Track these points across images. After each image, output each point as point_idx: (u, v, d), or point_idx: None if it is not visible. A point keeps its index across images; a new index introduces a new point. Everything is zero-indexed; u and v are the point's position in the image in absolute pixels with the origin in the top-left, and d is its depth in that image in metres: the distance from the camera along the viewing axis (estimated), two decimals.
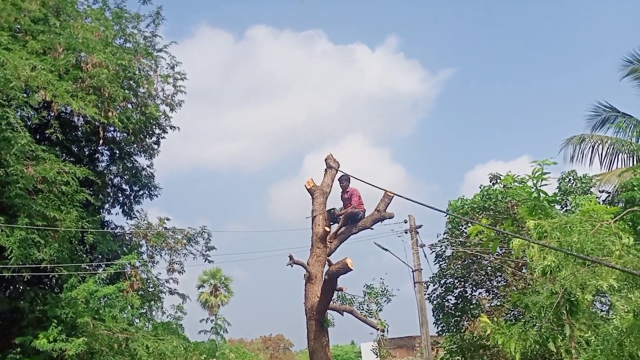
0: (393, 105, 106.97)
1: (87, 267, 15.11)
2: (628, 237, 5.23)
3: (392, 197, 11.54)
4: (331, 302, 11.13)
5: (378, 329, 12.04)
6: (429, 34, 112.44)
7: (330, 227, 11.21)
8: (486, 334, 10.00)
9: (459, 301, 18.78)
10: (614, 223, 5.43)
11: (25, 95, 12.19)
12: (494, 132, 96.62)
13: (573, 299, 7.24)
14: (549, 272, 7.14)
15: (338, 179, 11.58)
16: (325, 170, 11.69)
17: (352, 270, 9.41)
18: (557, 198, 17.58)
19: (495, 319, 11.26)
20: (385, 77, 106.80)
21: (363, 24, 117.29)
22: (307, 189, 11.37)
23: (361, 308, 12.45)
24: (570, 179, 17.92)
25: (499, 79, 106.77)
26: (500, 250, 16.65)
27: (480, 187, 18.35)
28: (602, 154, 18.63)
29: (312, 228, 11.03)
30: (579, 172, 18.43)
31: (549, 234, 5.84)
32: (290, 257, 10.53)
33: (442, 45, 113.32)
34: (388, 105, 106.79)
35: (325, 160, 11.81)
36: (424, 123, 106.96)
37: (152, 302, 17.54)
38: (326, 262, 10.75)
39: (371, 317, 12.15)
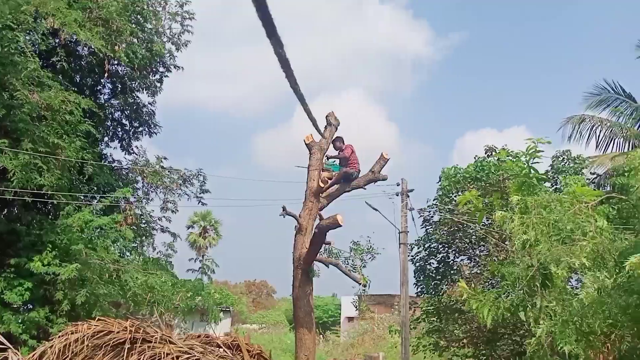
0: (396, 63, 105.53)
1: (83, 197, 15.43)
2: (603, 221, 5.55)
3: (388, 159, 11.82)
4: (318, 254, 11.55)
5: (360, 284, 12.53)
6: None
7: (326, 181, 11.44)
8: (462, 298, 10.46)
9: (440, 265, 19.34)
10: (592, 206, 5.75)
11: (34, 20, 12.16)
12: (492, 100, 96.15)
13: (547, 272, 7.66)
14: (527, 246, 7.52)
15: (332, 141, 11.73)
16: (325, 126, 11.86)
17: (341, 226, 9.76)
18: (548, 176, 17.92)
19: (473, 285, 11.75)
20: (392, 34, 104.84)
21: None
22: (306, 144, 11.56)
23: (346, 263, 12.94)
24: (564, 158, 18.19)
25: (506, 48, 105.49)
26: (486, 221, 17.10)
27: (475, 158, 18.61)
28: (599, 136, 18.86)
29: (306, 182, 11.30)
30: (576, 151, 18.69)
31: (529, 210, 6.16)
32: (284, 208, 10.85)
33: (454, 8, 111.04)
34: (391, 63, 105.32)
35: (326, 117, 11.97)
36: (424, 85, 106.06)
37: (144, 238, 18.03)
38: (317, 216, 11.09)
39: (355, 272, 12.62)
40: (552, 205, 5.81)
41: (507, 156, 12.93)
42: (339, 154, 11.69)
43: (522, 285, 7.91)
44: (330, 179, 11.57)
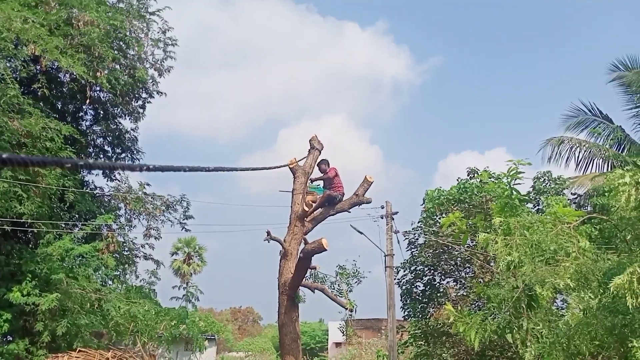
0: (376, 88, 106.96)
1: (64, 225, 15.18)
2: (585, 241, 5.58)
3: (371, 182, 11.84)
4: (304, 280, 11.44)
5: (347, 309, 12.42)
6: (419, 19, 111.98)
7: (310, 205, 11.42)
8: (449, 321, 10.41)
9: (427, 288, 19.30)
10: (574, 227, 5.79)
11: (14, 47, 12.10)
12: (472, 122, 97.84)
13: (532, 294, 7.67)
14: (512, 267, 7.54)
15: (317, 164, 11.76)
16: (309, 150, 11.88)
17: (326, 250, 9.69)
18: (530, 197, 18.12)
19: (459, 307, 11.72)
20: (373, 59, 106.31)
21: (355, 3, 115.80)
22: (290, 168, 11.56)
23: (332, 287, 12.82)
24: (545, 179, 18.42)
25: (485, 71, 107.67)
26: (471, 242, 17.16)
27: (457, 180, 18.75)
28: (578, 157, 19.15)
29: (291, 206, 11.26)
30: (556, 172, 18.96)
31: (512, 232, 6.18)
32: (268, 233, 10.77)
33: (432, 33, 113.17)
34: (371, 87, 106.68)
35: (309, 141, 12.00)
36: (405, 109, 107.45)
37: (127, 266, 17.74)
38: (302, 241, 11.02)
39: (341, 297, 12.51)
40: (535, 226, 5.84)
41: (489, 178, 13.05)
42: (322, 175, 11.71)
43: (507, 307, 7.91)
44: (314, 202, 11.55)
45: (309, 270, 12.26)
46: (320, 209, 11.59)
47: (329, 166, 11.92)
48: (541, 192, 18.29)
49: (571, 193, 18.37)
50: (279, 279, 10.87)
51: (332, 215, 11.78)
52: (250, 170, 7.47)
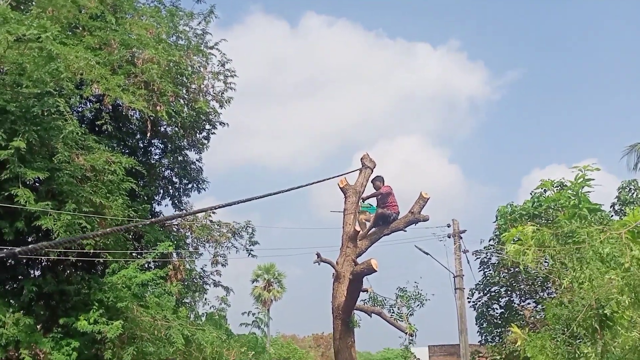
0: (452, 106, 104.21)
1: (135, 254, 15.68)
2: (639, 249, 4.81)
3: (428, 199, 11.32)
4: (362, 303, 11.03)
5: (407, 333, 11.81)
6: (492, 33, 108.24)
7: (364, 224, 11.09)
8: (516, 345, 9.68)
9: (504, 311, 18.11)
10: (625, 233, 5.03)
11: (78, 87, 12.83)
12: (557, 135, 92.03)
13: (606, 312, 6.82)
14: (576, 284, 6.78)
15: (371, 180, 11.46)
16: (360, 169, 11.59)
17: (376, 271, 9.28)
18: (615, 209, 16.65)
19: (527, 330, 10.78)
20: (446, 77, 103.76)
21: (426, 24, 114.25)
22: (340, 188, 11.31)
23: (392, 311, 12.33)
24: (630, 188, 16.86)
25: (566, 80, 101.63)
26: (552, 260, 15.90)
27: (531, 194, 17.63)
28: None
29: (342, 227, 10.96)
30: None
31: (547, 242, 5.51)
32: (318, 255, 10.50)
33: (507, 46, 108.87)
34: (447, 106, 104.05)
35: (360, 159, 11.73)
36: (484, 125, 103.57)
37: (196, 293, 18.06)
38: (354, 262, 10.66)
39: (401, 321, 11.95)
40: (573, 237, 5.16)
41: (553, 187, 12.06)
42: (374, 193, 11.38)
43: (573, 327, 7.11)
44: (368, 220, 11.21)
45: (366, 294, 11.84)
46: (374, 228, 11.22)
47: (383, 183, 11.55)
48: (627, 203, 16.74)
49: None
50: (332, 302, 10.54)
51: (387, 234, 11.35)
52: (296, 188, 7.20)
